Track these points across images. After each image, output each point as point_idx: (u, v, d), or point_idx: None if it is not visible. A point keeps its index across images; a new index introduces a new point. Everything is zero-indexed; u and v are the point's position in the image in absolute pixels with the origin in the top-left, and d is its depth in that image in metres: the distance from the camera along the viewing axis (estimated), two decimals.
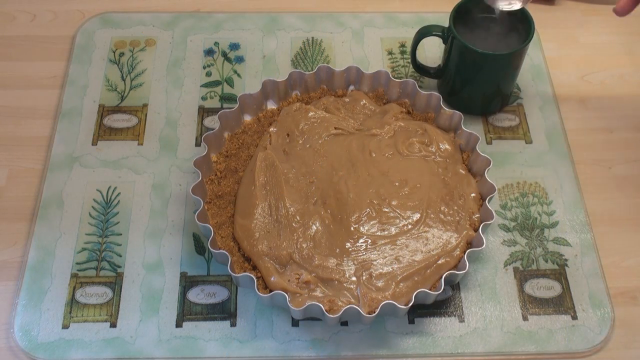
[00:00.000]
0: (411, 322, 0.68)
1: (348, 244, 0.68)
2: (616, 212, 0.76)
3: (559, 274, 0.72)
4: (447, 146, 0.75)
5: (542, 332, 0.68)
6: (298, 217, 0.70)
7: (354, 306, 0.63)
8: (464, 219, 0.70)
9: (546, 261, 0.72)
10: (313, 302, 0.63)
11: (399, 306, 0.63)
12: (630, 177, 0.79)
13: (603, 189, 0.78)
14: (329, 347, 0.67)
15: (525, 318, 0.69)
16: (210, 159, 0.75)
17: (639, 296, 0.71)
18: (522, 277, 0.71)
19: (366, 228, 0.69)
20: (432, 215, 0.70)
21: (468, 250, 0.67)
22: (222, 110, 0.76)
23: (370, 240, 0.68)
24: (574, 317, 0.69)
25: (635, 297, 0.71)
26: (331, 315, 0.63)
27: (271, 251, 0.68)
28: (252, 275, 0.65)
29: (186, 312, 0.69)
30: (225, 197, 0.73)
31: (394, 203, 0.71)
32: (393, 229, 0.69)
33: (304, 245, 0.68)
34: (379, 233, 0.69)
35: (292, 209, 0.70)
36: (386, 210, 0.70)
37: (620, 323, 0.69)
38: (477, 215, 0.71)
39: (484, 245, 0.67)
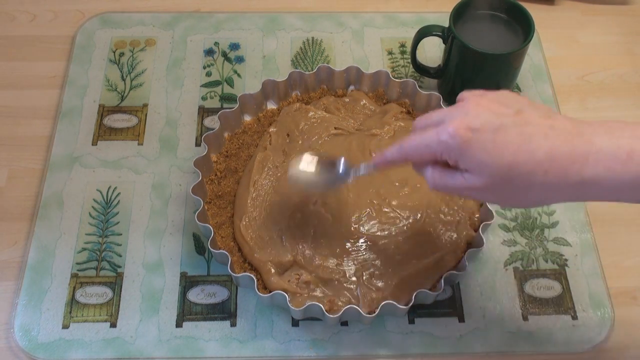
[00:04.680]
0: (411, 322, 0.68)
1: (348, 244, 0.68)
2: (616, 212, 0.76)
3: (559, 274, 0.72)
4: None
5: (542, 332, 0.68)
6: (300, 218, 0.70)
7: (354, 306, 0.63)
8: (464, 219, 0.70)
9: (546, 261, 0.72)
10: (313, 302, 0.63)
11: (399, 306, 0.63)
12: None
13: None
14: (329, 347, 0.67)
15: (525, 318, 0.69)
16: (210, 159, 0.75)
17: (639, 296, 0.71)
18: (522, 277, 0.71)
19: (366, 228, 0.69)
20: (432, 215, 0.70)
21: (468, 250, 0.67)
22: (222, 110, 0.76)
23: (370, 240, 0.68)
24: (574, 317, 0.69)
25: (635, 297, 0.71)
26: (331, 315, 0.63)
27: (273, 257, 0.68)
28: (252, 276, 0.65)
29: (186, 312, 0.69)
30: (225, 197, 0.73)
31: (394, 203, 0.71)
32: (393, 229, 0.69)
33: (305, 246, 0.68)
34: (379, 233, 0.69)
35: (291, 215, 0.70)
36: (386, 210, 0.70)
37: (620, 323, 0.69)
38: (477, 216, 0.71)
39: (484, 245, 0.67)
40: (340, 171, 0.63)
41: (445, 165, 0.53)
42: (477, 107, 0.51)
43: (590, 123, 0.50)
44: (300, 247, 0.68)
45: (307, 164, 0.64)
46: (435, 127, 0.52)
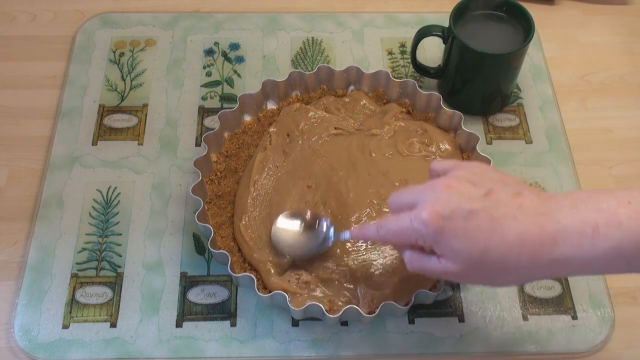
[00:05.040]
0: (411, 322, 0.68)
1: (348, 244, 0.68)
2: None
3: None
4: (447, 146, 0.75)
5: (542, 332, 0.68)
6: None
7: (353, 306, 0.63)
8: None
9: None
10: (313, 302, 0.63)
11: (399, 306, 0.63)
12: (630, 177, 0.79)
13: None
14: (329, 347, 0.67)
15: (525, 318, 0.69)
16: (210, 159, 0.75)
17: (639, 296, 0.71)
18: None
19: None
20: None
21: None
22: (222, 110, 0.76)
23: (370, 243, 0.68)
24: (574, 317, 0.69)
25: (635, 297, 0.71)
26: (331, 315, 0.63)
27: (273, 257, 0.68)
28: (252, 276, 0.65)
29: (186, 312, 0.69)
30: (225, 197, 0.73)
31: None
32: None
33: None
34: None
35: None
36: (386, 210, 0.70)
37: (620, 323, 0.69)
38: None
39: None
40: (323, 232, 0.67)
41: (423, 248, 0.54)
42: (447, 190, 0.52)
43: (557, 198, 0.51)
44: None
45: (289, 222, 0.68)
46: (408, 211, 0.53)
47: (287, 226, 0.68)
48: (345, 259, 0.67)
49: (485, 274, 0.52)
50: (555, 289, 0.70)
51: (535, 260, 0.49)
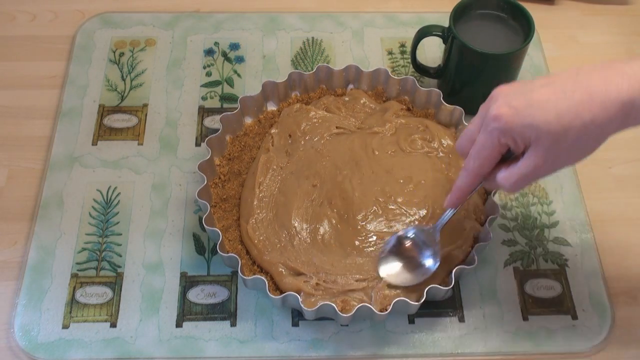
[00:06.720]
0: (411, 322, 0.68)
1: (357, 242, 0.68)
2: (616, 212, 0.76)
3: (559, 274, 0.72)
4: (449, 142, 0.75)
5: (542, 332, 0.68)
6: (307, 220, 0.70)
7: (366, 304, 0.63)
8: (470, 214, 0.70)
9: (546, 261, 0.72)
10: (326, 302, 0.63)
11: (411, 302, 0.63)
12: (629, 177, 0.79)
13: (603, 189, 0.78)
14: (329, 347, 0.67)
15: (525, 318, 0.69)
16: (214, 163, 0.75)
17: (639, 296, 0.71)
18: (522, 277, 0.71)
19: (373, 225, 0.69)
20: (437, 211, 0.70)
21: (476, 245, 0.67)
22: (224, 113, 0.76)
23: (377, 238, 0.68)
24: (574, 317, 0.69)
25: (635, 297, 0.71)
26: (344, 315, 0.63)
27: (285, 260, 0.67)
28: (263, 278, 0.64)
29: (186, 312, 0.69)
30: (230, 200, 0.73)
31: (399, 200, 0.71)
32: (400, 226, 0.69)
33: (315, 250, 0.68)
34: (386, 230, 0.69)
35: (298, 217, 0.70)
36: (392, 207, 0.70)
37: (620, 323, 0.69)
38: (482, 208, 0.71)
39: (491, 239, 0.67)
40: (422, 257, 0.66)
41: (508, 164, 0.56)
42: (501, 91, 0.54)
43: (613, 60, 0.52)
44: (313, 252, 0.68)
45: (390, 267, 0.67)
46: (479, 132, 0.55)
47: (391, 271, 0.67)
48: (356, 257, 0.67)
49: (570, 143, 0.52)
50: (555, 289, 0.71)
51: (607, 109, 0.50)
